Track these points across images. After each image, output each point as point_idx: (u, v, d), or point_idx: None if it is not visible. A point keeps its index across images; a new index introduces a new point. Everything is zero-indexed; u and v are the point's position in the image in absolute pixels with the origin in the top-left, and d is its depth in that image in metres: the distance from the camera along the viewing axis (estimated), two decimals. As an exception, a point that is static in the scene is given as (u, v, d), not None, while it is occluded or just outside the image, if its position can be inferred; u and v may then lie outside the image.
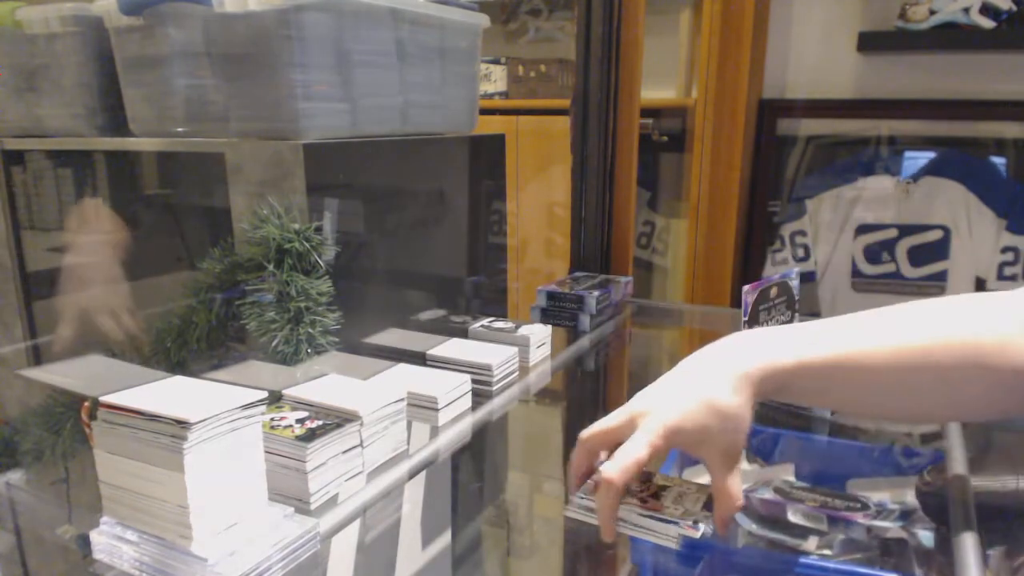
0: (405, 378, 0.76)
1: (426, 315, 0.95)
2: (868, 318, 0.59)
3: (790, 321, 1.06)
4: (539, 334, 0.93)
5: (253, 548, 0.51)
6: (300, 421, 0.61)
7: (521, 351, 0.89)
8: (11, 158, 0.94)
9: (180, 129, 0.80)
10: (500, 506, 0.87)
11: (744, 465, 0.87)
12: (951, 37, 1.65)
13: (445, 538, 0.76)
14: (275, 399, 0.67)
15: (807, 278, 1.84)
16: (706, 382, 0.54)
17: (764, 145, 1.93)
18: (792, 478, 0.83)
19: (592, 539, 0.83)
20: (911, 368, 0.55)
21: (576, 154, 1.37)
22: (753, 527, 0.73)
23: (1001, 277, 1.68)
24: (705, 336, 1.37)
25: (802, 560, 0.66)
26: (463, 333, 0.93)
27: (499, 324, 0.94)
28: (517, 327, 0.93)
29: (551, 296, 1.12)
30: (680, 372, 0.57)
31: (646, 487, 0.60)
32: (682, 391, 0.55)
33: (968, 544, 0.58)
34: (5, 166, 0.94)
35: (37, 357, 0.97)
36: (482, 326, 0.94)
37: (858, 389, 0.57)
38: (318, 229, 0.72)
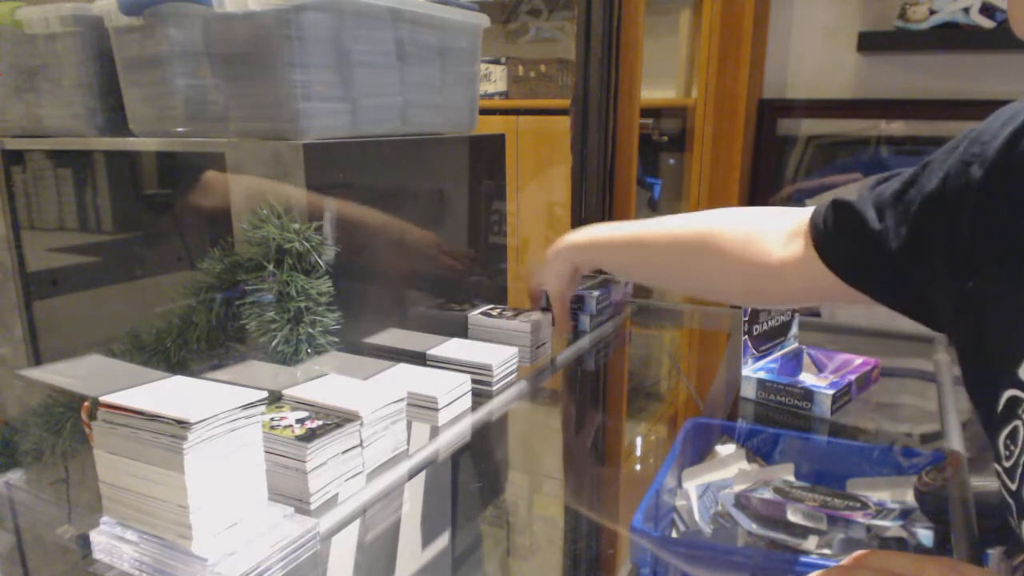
0: (405, 378, 0.76)
1: (426, 315, 0.95)
2: (672, 217, 0.78)
3: (790, 320, 1.06)
4: (539, 326, 0.92)
5: (253, 548, 0.51)
6: (300, 421, 0.62)
7: (521, 351, 0.89)
8: (11, 158, 0.94)
9: (180, 129, 0.80)
10: (500, 506, 0.88)
11: (744, 465, 0.87)
12: (951, 37, 1.65)
13: (445, 538, 0.76)
14: (275, 399, 0.67)
15: (807, 278, 1.84)
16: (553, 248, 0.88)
17: (764, 145, 1.93)
18: (792, 478, 0.84)
19: (592, 539, 0.83)
20: (676, 248, 0.75)
21: (576, 154, 1.37)
22: (753, 527, 0.73)
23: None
24: (705, 336, 1.37)
25: (802, 559, 0.66)
26: (463, 332, 0.93)
27: (498, 311, 0.94)
28: (516, 314, 0.93)
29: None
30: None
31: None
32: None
33: (967, 544, 0.59)
34: (5, 166, 0.94)
35: (37, 357, 0.97)
36: (481, 313, 0.94)
37: (644, 262, 0.81)
38: (318, 229, 0.72)
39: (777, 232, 0.67)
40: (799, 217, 0.66)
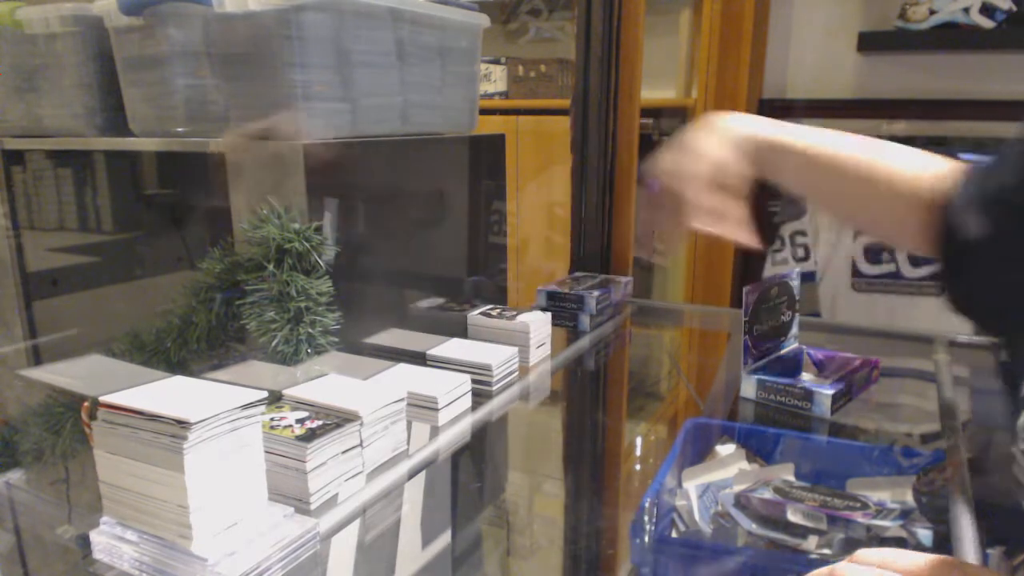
0: (405, 378, 0.76)
1: (426, 315, 0.95)
2: (843, 135, 0.72)
3: (790, 320, 1.06)
4: (539, 326, 0.92)
5: (253, 548, 0.51)
6: (300, 421, 0.62)
7: (521, 351, 0.89)
8: (11, 158, 0.94)
9: (180, 129, 0.80)
10: (500, 506, 0.88)
11: (744, 465, 0.87)
12: (951, 37, 1.65)
13: (445, 538, 0.76)
14: (275, 399, 0.67)
15: (807, 278, 1.84)
16: (709, 141, 0.73)
17: (764, 145, 1.92)
18: (792, 478, 0.83)
19: (592, 539, 0.83)
20: (852, 170, 0.68)
21: (576, 154, 1.37)
22: (753, 527, 0.73)
23: (1001, 277, 1.68)
24: (705, 336, 1.37)
25: (802, 559, 0.66)
26: (463, 332, 0.93)
27: (498, 311, 0.94)
28: (516, 314, 0.93)
29: (551, 296, 1.12)
30: (690, 134, 0.74)
31: None
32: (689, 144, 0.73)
33: (967, 543, 0.59)
34: (5, 166, 0.94)
35: (37, 357, 0.97)
36: (481, 313, 0.94)
37: (814, 177, 0.71)
38: (318, 229, 0.72)
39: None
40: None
